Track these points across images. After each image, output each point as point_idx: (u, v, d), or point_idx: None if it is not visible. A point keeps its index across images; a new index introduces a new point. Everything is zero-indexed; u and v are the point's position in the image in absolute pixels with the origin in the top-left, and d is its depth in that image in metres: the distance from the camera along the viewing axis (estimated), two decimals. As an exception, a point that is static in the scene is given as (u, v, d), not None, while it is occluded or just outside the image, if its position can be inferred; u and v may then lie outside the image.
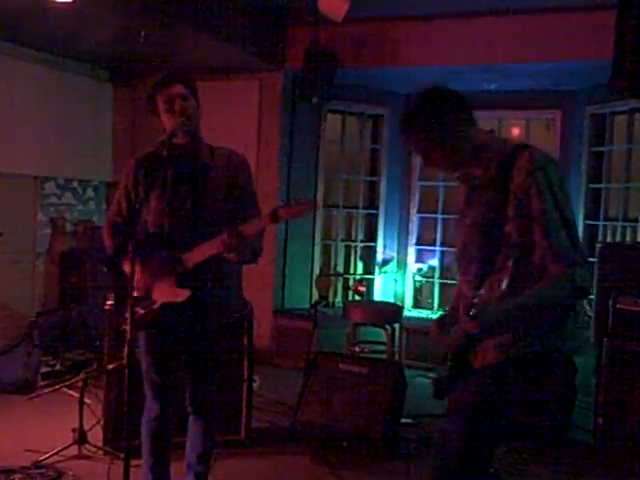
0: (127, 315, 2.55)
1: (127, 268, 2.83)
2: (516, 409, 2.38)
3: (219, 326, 2.95)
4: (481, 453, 2.28)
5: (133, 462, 2.53)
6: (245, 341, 4.09)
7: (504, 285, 2.20)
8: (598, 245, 5.02)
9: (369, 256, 6.90)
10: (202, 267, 2.76)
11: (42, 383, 4.93)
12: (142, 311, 2.78)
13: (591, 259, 5.66)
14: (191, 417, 3.02)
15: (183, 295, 2.78)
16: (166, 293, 2.80)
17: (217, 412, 3.08)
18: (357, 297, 6.16)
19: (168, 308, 2.80)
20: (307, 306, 6.29)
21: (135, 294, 2.84)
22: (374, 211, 6.89)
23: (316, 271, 6.63)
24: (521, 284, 2.16)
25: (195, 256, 2.74)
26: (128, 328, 2.49)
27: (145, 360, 2.89)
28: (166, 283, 2.80)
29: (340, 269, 6.84)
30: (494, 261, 2.21)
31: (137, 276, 2.71)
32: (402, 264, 6.87)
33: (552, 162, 2.23)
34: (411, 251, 6.88)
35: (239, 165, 2.93)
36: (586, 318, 5.65)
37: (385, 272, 6.83)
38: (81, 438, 3.83)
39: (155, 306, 2.80)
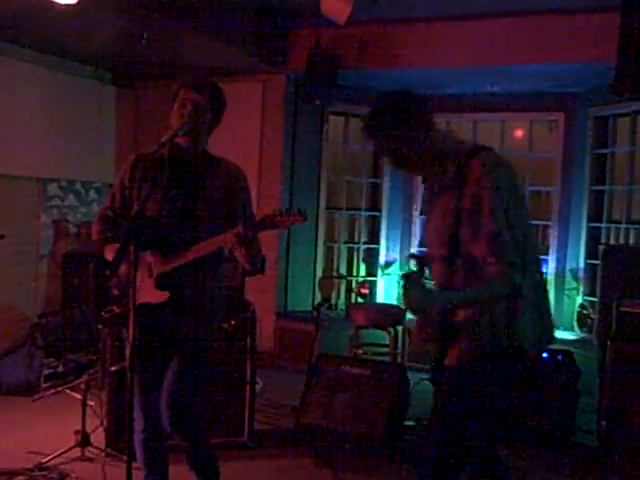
0: (103, 314, 2.55)
1: (123, 270, 2.84)
2: (489, 411, 2.47)
3: (203, 332, 2.90)
4: (456, 453, 2.40)
5: (135, 464, 2.53)
6: (248, 343, 4.09)
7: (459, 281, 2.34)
8: (601, 247, 5.01)
9: (372, 258, 6.90)
10: (183, 270, 2.75)
11: (45, 385, 4.94)
12: (118, 310, 2.78)
13: (594, 261, 5.68)
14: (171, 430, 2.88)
15: (161, 297, 2.76)
16: (145, 294, 2.77)
17: (202, 427, 2.96)
18: (360, 299, 6.16)
19: (146, 309, 2.75)
20: (310, 308, 6.27)
21: (116, 292, 2.84)
22: (377, 213, 6.89)
23: (319, 273, 6.63)
24: (470, 281, 2.31)
25: (199, 249, 2.72)
26: (129, 330, 2.48)
27: None
28: (146, 284, 2.79)
29: (343, 271, 6.84)
30: (454, 262, 2.34)
31: (119, 275, 2.72)
32: (405, 266, 6.86)
33: (502, 166, 2.33)
34: (414, 253, 6.86)
35: (237, 178, 2.91)
36: (589, 320, 5.65)
37: (388, 274, 6.83)
38: (84, 440, 3.83)
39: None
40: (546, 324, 2.43)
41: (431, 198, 2.48)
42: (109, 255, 2.87)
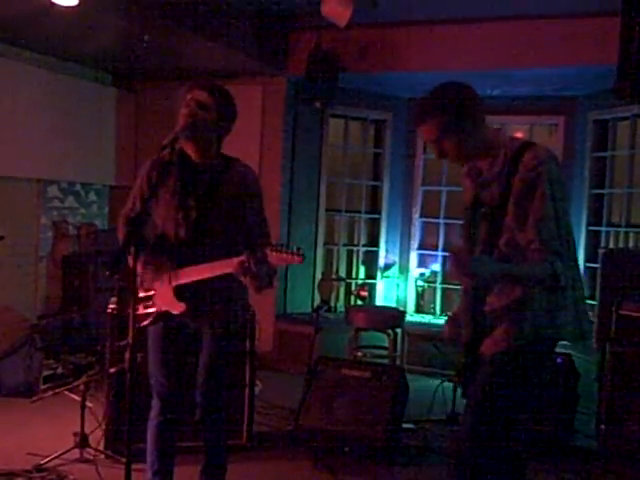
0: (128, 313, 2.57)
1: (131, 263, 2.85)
2: (524, 400, 2.48)
3: (224, 332, 2.93)
4: (496, 445, 2.40)
5: (134, 466, 2.53)
6: (247, 345, 4.08)
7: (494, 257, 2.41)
8: (601, 251, 5.01)
9: (371, 261, 6.90)
10: (203, 282, 2.76)
11: (44, 386, 4.93)
12: (143, 310, 2.80)
13: (594, 265, 5.67)
14: (201, 421, 3.02)
15: (179, 308, 2.80)
16: (164, 301, 2.82)
17: (226, 414, 3.09)
18: (359, 302, 6.16)
19: (166, 315, 2.83)
20: (309, 311, 6.28)
21: (140, 294, 2.86)
22: (376, 216, 6.89)
23: (318, 275, 6.63)
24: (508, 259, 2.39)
25: (193, 274, 2.75)
26: (130, 331, 2.49)
27: (151, 356, 2.89)
28: (166, 290, 2.81)
29: (342, 274, 6.84)
30: (496, 246, 2.40)
31: (142, 276, 2.73)
32: (404, 269, 6.86)
33: (554, 159, 2.41)
34: (413, 256, 6.87)
35: (249, 184, 2.91)
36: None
37: (387, 277, 6.83)
38: (82, 442, 3.83)
39: (153, 310, 2.82)
40: (583, 323, 2.46)
41: (477, 189, 2.52)
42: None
